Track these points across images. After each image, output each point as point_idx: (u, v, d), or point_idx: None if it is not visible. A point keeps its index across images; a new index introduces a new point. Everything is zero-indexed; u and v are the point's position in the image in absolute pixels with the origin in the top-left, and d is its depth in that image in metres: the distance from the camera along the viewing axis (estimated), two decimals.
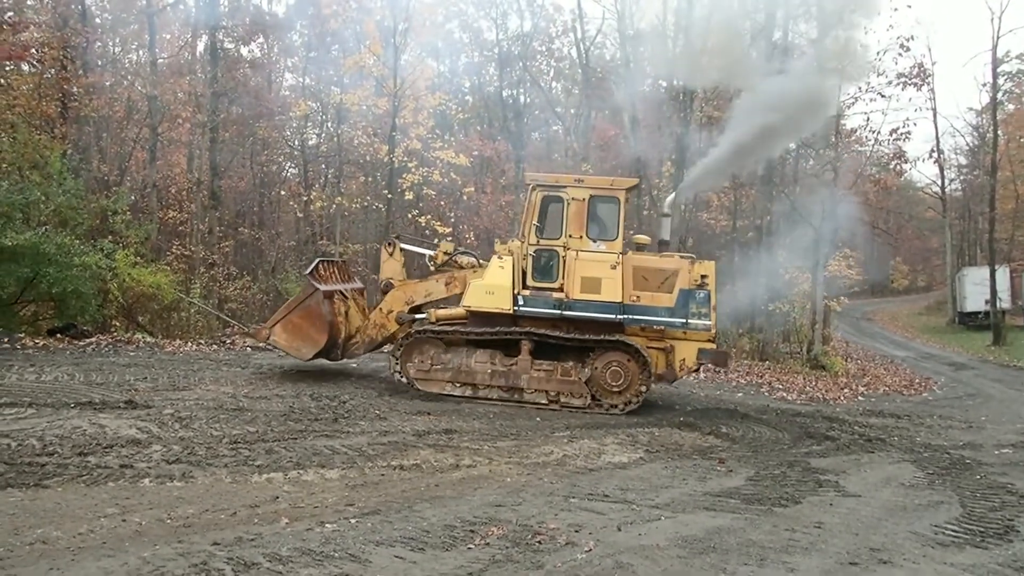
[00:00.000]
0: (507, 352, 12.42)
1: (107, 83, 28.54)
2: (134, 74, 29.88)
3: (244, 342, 17.46)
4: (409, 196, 26.73)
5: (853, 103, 25.65)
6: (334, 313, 12.76)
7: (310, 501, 6.57)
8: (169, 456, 7.67)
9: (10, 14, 22.83)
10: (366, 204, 29.13)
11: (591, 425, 11.15)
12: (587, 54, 33.51)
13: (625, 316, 12.20)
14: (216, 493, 6.64)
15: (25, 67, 26.13)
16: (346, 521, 5.99)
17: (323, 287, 12.73)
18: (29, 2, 25.27)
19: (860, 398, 18.01)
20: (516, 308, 12.31)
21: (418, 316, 13.03)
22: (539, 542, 5.79)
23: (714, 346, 12.63)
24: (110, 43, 30.79)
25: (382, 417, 10.55)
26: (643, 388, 12.27)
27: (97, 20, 29.71)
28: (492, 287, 12.30)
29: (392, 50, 26.50)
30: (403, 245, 13.84)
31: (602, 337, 12.23)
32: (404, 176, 26.45)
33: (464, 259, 13.42)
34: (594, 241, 12.38)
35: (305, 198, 30.94)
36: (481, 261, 13.34)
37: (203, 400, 10.72)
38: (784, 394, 17.11)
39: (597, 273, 12.21)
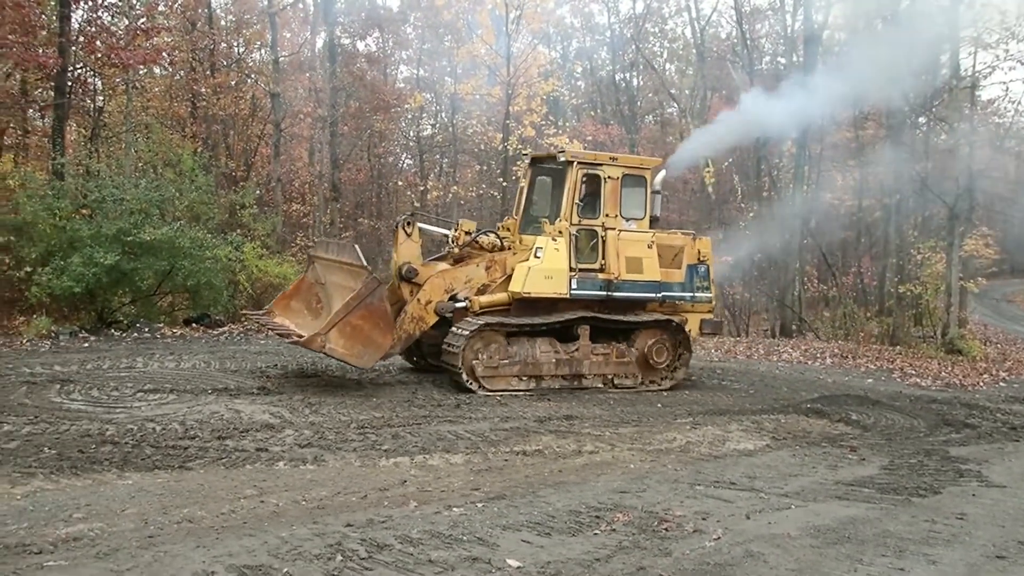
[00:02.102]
0: (561, 339, 12.01)
1: (232, 82, 29.68)
2: (257, 72, 30.97)
3: None
4: (524, 183, 26.81)
5: (990, 73, 24.21)
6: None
7: (437, 485, 6.67)
8: (301, 440, 7.94)
9: (143, 20, 24.02)
10: (481, 192, 29.39)
11: (713, 411, 10.95)
12: (702, 33, 32.77)
13: (662, 294, 12.49)
14: (347, 476, 6.83)
15: (157, 70, 27.52)
16: (473, 505, 6.05)
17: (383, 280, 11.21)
18: (160, 8, 26.51)
19: (1001, 384, 17.03)
20: (571, 291, 11.88)
21: (458, 305, 11.76)
22: (666, 529, 5.71)
23: (712, 316, 13.39)
24: (235, 44, 32.00)
25: (503, 403, 10.64)
26: (686, 357, 12.76)
27: (222, 22, 30.96)
28: (551, 271, 11.72)
29: (504, 38, 26.58)
30: (421, 225, 12.67)
31: (656, 316, 12.44)
32: (518, 164, 26.53)
33: (486, 239, 12.63)
34: (626, 220, 12.38)
35: (421, 188, 31.47)
36: (504, 241, 12.64)
37: (330, 386, 11.07)
38: (918, 380, 16.34)
39: (638, 253, 12.30)
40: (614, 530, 5.65)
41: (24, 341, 14.33)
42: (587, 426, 9.45)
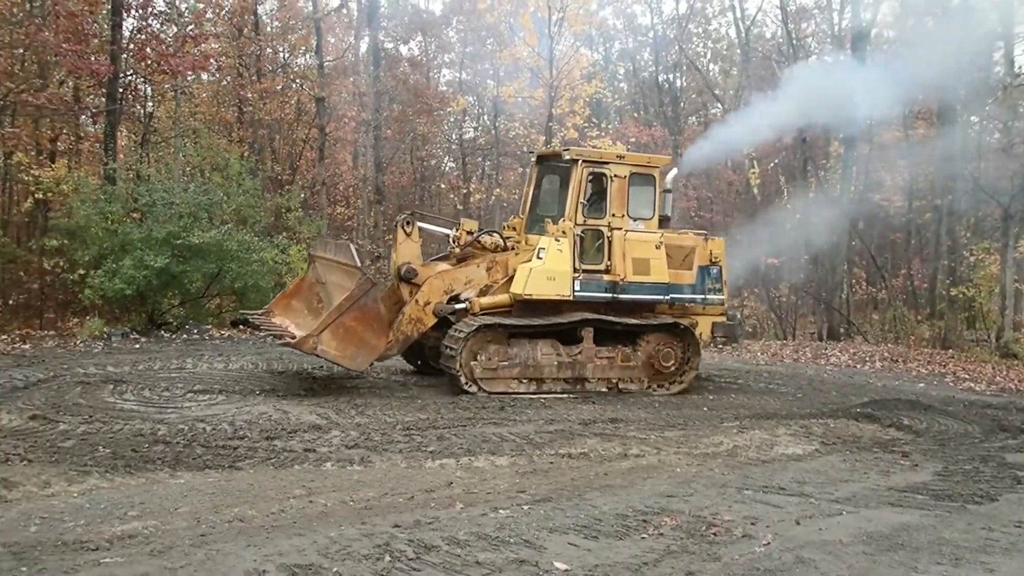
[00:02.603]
0: (564, 341, 11.62)
1: (278, 87, 30.07)
2: (302, 77, 31.34)
3: None
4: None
5: None
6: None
7: (482, 487, 6.67)
8: (347, 441, 8.01)
9: (191, 27, 24.46)
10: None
11: (760, 415, 10.81)
12: (747, 33, 32.45)
13: (671, 297, 12.13)
14: (393, 477, 6.87)
15: (205, 76, 27.97)
16: (519, 507, 6.04)
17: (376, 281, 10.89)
18: (208, 15, 26.96)
19: None
20: (574, 293, 11.53)
21: (458, 306, 11.49)
22: (714, 534, 5.65)
23: (725, 319, 12.89)
24: (280, 49, 32.41)
25: (547, 406, 10.61)
26: (695, 361, 12.32)
27: (268, 28, 31.38)
28: (553, 272, 11.35)
29: (547, 41, 26.58)
30: (421, 224, 12.33)
31: (662, 319, 12.07)
32: None
33: (487, 239, 12.35)
34: (633, 220, 12.04)
35: (464, 191, 31.55)
36: (507, 241, 12.37)
37: (375, 388, 11.16)
38: (971, 384, 15.97)
39: (645, 254, 11.89)
40: (662, 534, 5.60)
41: (78, 342, 14.65)
42: (632, 429, 9.38)
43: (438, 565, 4.79)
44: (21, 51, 22.42)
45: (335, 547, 4.98)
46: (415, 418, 9.26)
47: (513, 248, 12.24)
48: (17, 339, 14.87)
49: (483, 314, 11.33)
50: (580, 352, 11.58)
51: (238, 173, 19.58)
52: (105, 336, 15.22)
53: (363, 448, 7.78)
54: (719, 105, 35.88)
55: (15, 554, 4.69)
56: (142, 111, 26.61)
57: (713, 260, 12.55)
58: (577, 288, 11.54)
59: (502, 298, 11.55)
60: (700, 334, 12.44)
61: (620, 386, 11.90)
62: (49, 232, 18.96)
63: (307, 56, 32.12)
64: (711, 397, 12.16)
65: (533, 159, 13.47)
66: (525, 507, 6.06)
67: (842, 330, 25.13)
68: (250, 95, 27.75)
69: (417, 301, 11.34)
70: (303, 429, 8.40)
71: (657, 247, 12.00)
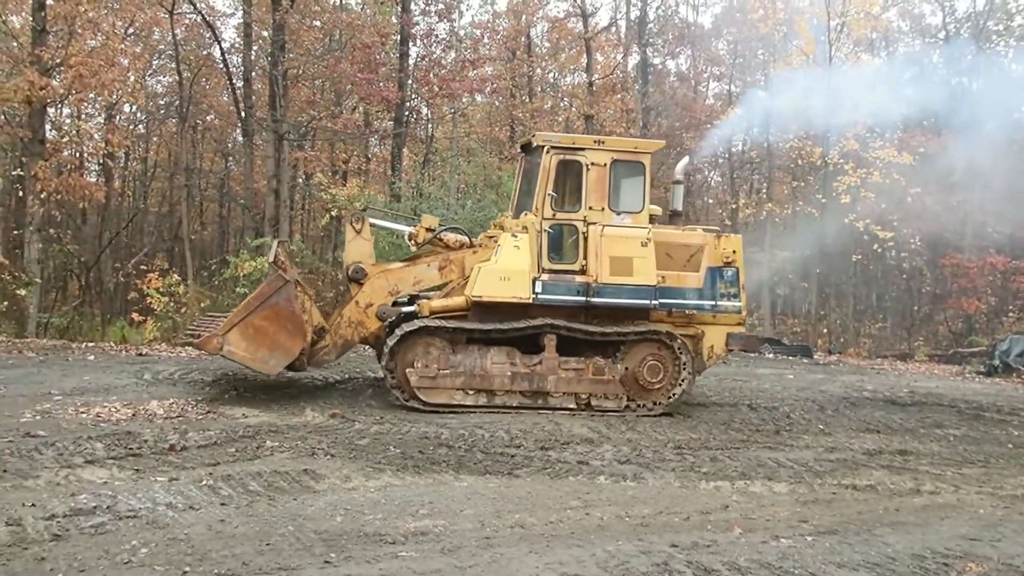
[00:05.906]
0: (524, 350, 10.26)
1: (547, 106, 31.01)
2: (571, 96, 32.09)
3: None
4: (845, 200, 25.19)
5: None
6: (303, 310, 9.90)
7: (760, 513, 6.41)
8: (619, 456, 8.03)
9: (469, 51, 25.95)
10: (797, 209, 28.19)
11: None
12: None
13: (660, 301, 10.36)
14: (667, 496, 6.78)
15: (479, 98, 29.54)
16: (801, 538, 5.73)
17: (290, 277, 9.77)
18: (484, 40, 28.43)
19: None
20: (535, 296, 10.16)
21: (405, 309, 10.43)
22: None
23: (743, 329, 11.08)
24: (550, 69, 33.42)
25: (826, 432, 10.05)
26: (688, 380, 10.49)
27: (539, 50, 32.50)
28: (507, 272, 10.04)
29: (825, 48, 25.35)
30: (373, 221, 11.20)
31: (639, 328, 10.37)
32: (839, 179, 25.08)
33: (451, 237, 11.00)
34: (617, 214, 10.50)
35: (732, 205, 30.81)
36: (473, 239, 11.07)
37: None
38: None
39: (627, 252, 10.24)
40: None
41: (365, 348, 15.85)
42: (924, 463, 8.63)
43: None
44: (320, 82, 24.96)
45: (613, 561, 4.98)
46: (686, 437, 9.12)
47: (477, 246, 10.98)
48: None
49: (436, 319, 10.18)
50: (540, 363, 10.24)
51: (511, 190, 20.38)
52: None
53: (635, 464, 7.76)
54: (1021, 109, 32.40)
55: (325, 541, 5.14)
56: (425, 133, 28.56)
57: (727, 261, 10.81)
58: (539, 290, 10.18)
59: (457, 301, 10.32)
60: (711, 347, 10.77)
61: (592, 403, 10.33)
62: (342, 246, 20.76)
63: (576, 74, 32.92)
64: (1016, 433, 10.89)
65: (519, 149, 12.28)
66: (808, 538, 5.75)
67: None
68: (521, 114, 28.88)
69: (357, 303, 10.42)
70: (575, 441, 8.55)
71: (643, 244, 10.33)
